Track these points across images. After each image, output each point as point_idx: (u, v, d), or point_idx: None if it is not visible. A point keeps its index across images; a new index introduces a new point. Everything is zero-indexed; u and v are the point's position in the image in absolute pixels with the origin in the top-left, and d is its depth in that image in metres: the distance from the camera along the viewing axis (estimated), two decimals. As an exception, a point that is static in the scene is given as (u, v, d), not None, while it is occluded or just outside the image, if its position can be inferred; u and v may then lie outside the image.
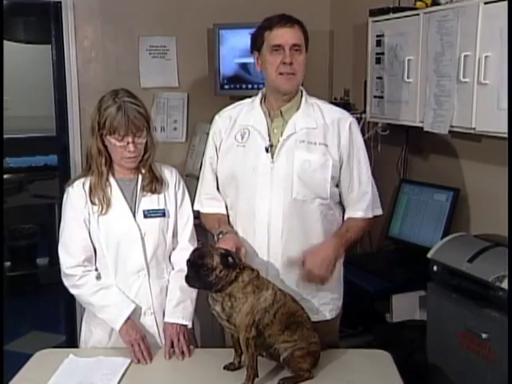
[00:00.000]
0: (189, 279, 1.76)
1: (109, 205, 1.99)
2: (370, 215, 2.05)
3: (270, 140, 1.99)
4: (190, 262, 1.75)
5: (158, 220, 2.03)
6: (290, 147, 1.97)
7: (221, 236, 1.94)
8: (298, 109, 2.02)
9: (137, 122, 1.92)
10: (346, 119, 2.03)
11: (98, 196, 1.98)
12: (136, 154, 1.96)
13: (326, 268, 1.90)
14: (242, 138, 2.03)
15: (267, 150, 1.98)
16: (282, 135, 1.99)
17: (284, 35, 1.94)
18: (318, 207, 1.99)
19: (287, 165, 1.96)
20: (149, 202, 2.03)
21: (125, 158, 1.96)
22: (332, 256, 1.92)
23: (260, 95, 2.08)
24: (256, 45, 2.01)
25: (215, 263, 1.71)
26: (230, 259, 1.73)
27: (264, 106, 2.05)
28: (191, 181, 3.15)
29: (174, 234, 2.08)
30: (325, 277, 1.92)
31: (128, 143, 1.92)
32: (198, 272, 1.73)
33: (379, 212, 2.10)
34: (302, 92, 2.06)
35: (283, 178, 1.96)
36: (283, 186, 1.96)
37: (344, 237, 2.00)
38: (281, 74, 1.95)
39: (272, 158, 1.98)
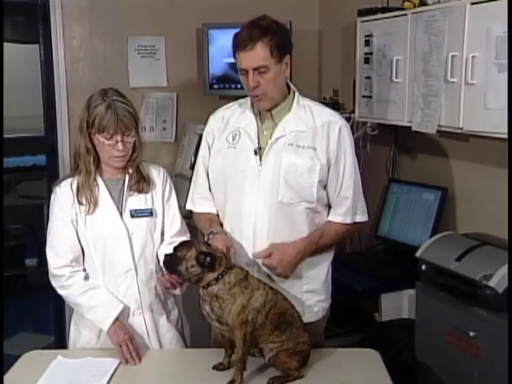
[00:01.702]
0: (165, 261, 1.82)
1: (96, 204, 1.98)
2: (348, 221, 2.03)
3: (258, 142, 2.00)
4: (174, 247, 1.80)
5: (145, 220, 2.02)
6: (278, 150, 1.97)
7: (211, 236, 1.94)
8: (289, 111, 2.01)
9: (126, 120, 1.92)
10: (337, 122, 2.01)
11: (86, 195, 1.97)
12: (124, 153, 1.96)
13: (287, 268, 1.97)
14: (233, 140, 2.03)
15: (256, 153, 1.98)
16: (270, 138, 1.99)
17: (245, 60, 1.90)
18: (304, 210, 1.99)
19: (274, 168, 1.96)
20: (136, 201, 2.03)
21: (113, 157, 1.96)
22: (296, 260, 1.98)
23: None
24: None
25: (188, 255, 1.73)
26: (203, 257, 1.72)
27: (255, 107, 2.04)
28: (181, 181, 3.14)
29: (162, 234, 2.08)
30: (284, 274, 1.99)
31: (117, 142, 1.92)
32: (171, 257, 1.77)
33: (362, 219, 2.08)
34: (294, 93, 2.04)
35: (270, 180, 1.97)
36: (269, 189, 1.96)
37: (315, 243, 2.01)
38: (252, 95, 1.95)
39: (260, 160, 1.98)
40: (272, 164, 1.97)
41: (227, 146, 2.04)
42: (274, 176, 1.96)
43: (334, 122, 2.01)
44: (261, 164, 1.98)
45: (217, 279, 1.75)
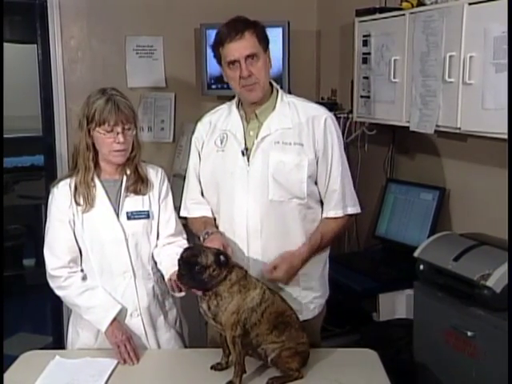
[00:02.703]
0: (182, 277, 1.76)
1: (93, 203, 1.97)
2: (340, 214, 2.03)
3: (245, 143, 2.00)
4: (183, 260, 1.75)
5: (141, 222, 2.02)
6: (264, 149, 1.98)
7: (206, 236, 1.94)
8: (273, 109, 2.02)
9: (126, 112, 1.93)
10: (321, 116, 2.01)
11: (83, 193, 1.96)
12: (125, 146, 1.95)
13: (291, 278, 1.99)
14: (221, 143, 2.04)
15: (243, 154, 1.99)
16: (257, 137, 1.99)
17: (235, 50, 1.91)
18: (295, 207, 1.99)
19: (262, 167, 1.97)
20: (133, 203, 2.02)
21: (113, 151, 1.95)
22: (299, 266, 1.99)
23: (237, 99, 2.08)
24: (217, 59, 2.01)
25: (209, 262, 1.72)
26: (222, 258, 1.74)
27: (241, 109, 2.06)
28: (178, 181, 3.14)
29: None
30: (288, 282, 2.00)
31: (117, 133, 1.92)
32: (191, 270, 1.73)
33: (354, 211, 2.07)
34: (277, 91, 2.05)
35: (259, 180, 1.97)
36: (259, 188, 1.97)
37: (317, 247, 2.01)
38: (243, 86, 1.95)
39: (248, 161, 1.98)
40: (260, 163, 1.97)
41: (216, 150, 2.05)
42: (263, 175, 1.97)
43: (319, 115, 2.02)
44: (249, 164, 1.98)
45: (225, 277, 1.75)
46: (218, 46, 1.96)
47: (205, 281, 1.72)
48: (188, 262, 1.73)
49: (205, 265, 1.71)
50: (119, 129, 1.92)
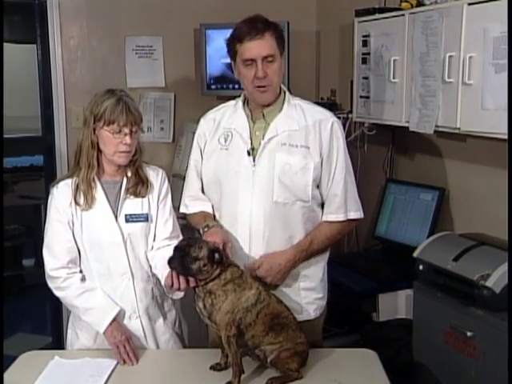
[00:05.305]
0: (172, 261, 1.77)
1: (92, 204, 1.96)
2: (341, 218, 2.03)
3: (251, 143, 2.00)
4: (177, 248, 1.77)
5: (140, 225, 2.01)
6: (271, 150, 1.98)
7: (206, 229, 1.94)
8: (280, 110, 2.02)
9: (136, 114, 1.93)
10: (328, 120, 2.02)
11: (84, 191, 1.95)
12: (130, 148, 1.94)
13: (278, 277, 1.98)
14: (225, 141, 2.04)
15: (249, 154, 1.99)
16: (263, 138, 1.99)
17: (254, 49, 1.91)
18: (299, 209, 1.99)
19: (268, 168, 1.97)
20: (132, 205, 2.01)
21: (118, 151, 1.94)
22: (285, 268, 1.98)
23: (242, 97, 2.08)
24: (230, 54, 2.00)
25: (201, 255, 1.73)
26: (216, 255, 1.75)
27: (247, 108, 2.05)
28: (178, 181, 3.14)
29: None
30: (274, 283, 1.99)
31: (125, 134, 1.91)
32: (182, 258, 1.75)
33: (356, 215, 2.07)
34: (284, 93, 2.05)
35: (264, 181, 1.97)
36: (264, 189, 1.97)
37: (305, 250, 2.01)
38: (257, 86, 1.95)
39: (253, 161, 1.98)
40: (266, 164, 1.97)
41: (219, 148, 2.04)
42: (269, 176, 1.97)
43: (326, 119, 2.02)
44: (254, 165, 1.98)
45: (218, 275, 1.75)
46: (235, 41, 1.95)
47: (193, 271, 1.74)
48: (181, 250, 1.76)
49: (196, 256, 1.73)
50: (127, 130, 1.91)
